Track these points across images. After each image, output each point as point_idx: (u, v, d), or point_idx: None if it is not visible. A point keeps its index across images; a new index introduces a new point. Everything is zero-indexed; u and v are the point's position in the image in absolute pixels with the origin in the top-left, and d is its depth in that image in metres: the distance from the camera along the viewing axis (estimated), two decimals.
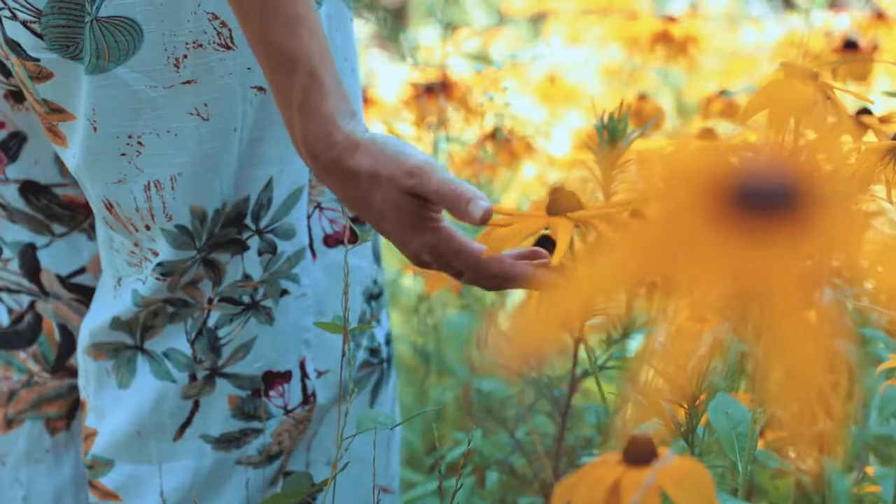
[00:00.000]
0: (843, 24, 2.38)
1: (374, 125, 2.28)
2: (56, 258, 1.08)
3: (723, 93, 2.04)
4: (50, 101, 0.94)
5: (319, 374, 1.08)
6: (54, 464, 1.11)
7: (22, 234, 1.07)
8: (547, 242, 1.02)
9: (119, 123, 0.92)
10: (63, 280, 1.08)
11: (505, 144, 1.86)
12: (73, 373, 1.11)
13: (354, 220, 1.08)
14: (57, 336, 1.10)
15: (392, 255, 2.10)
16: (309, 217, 1.07)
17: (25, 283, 1.08)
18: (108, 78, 0.91)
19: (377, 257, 1.16)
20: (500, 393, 1.34)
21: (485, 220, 0.80)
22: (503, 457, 1.17)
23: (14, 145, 1.04)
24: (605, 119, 1.09)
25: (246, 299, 1.01)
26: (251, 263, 1.00)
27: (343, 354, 0.91)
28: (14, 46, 0.92)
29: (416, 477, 1.42)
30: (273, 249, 1.01)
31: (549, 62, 2.76)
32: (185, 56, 0.91)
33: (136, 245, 0.99)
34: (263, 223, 1.00)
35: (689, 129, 2.22)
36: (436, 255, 0.84)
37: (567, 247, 0.77)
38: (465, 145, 1.85)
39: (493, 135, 1.76)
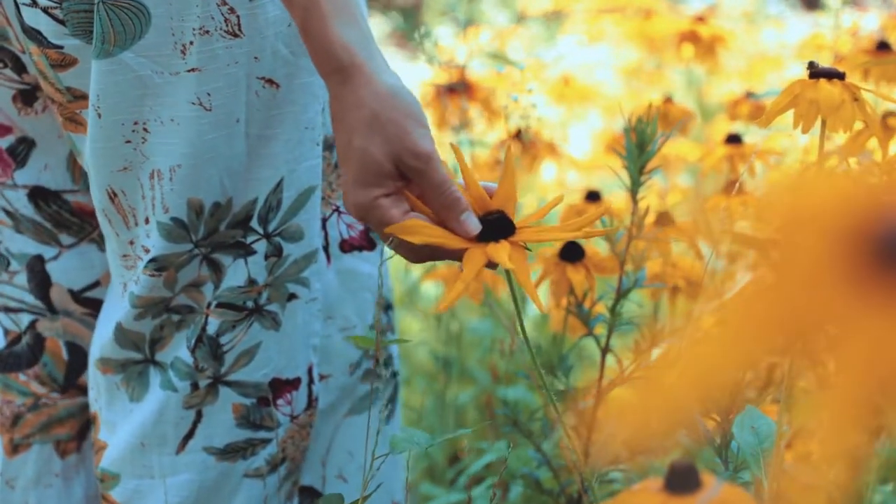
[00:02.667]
0: (870, 24, 2.34)
1: None
2: (68, 272, 1.04)
3: (749, 94, 2.00)
4: (74, 89, 0.92)
5: (322, 377, 1.05)
6: (64, 487, 1.08)
7: (28, 246, 1.03)
8: (574, 248, 0.99)
9: (124, 110, 0.90)
10: (76, 295, 1.05)
11: (528, 147, 1.83)
12: (85, 391, 1.08)
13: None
14: (65, 355, 1.06)
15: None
16: (326, 220, 1.04)
17: (30, 299, 1.05)
18: (113, 63, 0.88)
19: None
20: (525, 403, 1.31)
21: (472, 235, 0.80)
22: (529, 470, 1.14)
23: (22, 150, 1.01)
24: (633, 122, 1.05)
25: (249, 304, 0.98)
26: (256, 268, 0.97)
27: (376, 365, 0.88)
28: (34, 35, 0.89)
29: (435, 490, 1.38)
30: (279, 252, 0.98)
31: (568, 62, 2.73)
32: (192, 42, 0.88)
33: (130, 244, 0.96)
34: (272, 226, 0.97)
35: (714, 131, 2.18)
36: (365, 220, 0.82)
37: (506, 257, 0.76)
38: (487, 147, 1.82)
39: (518, 136, 1.72)
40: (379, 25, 3.73)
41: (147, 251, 0.95)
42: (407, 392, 1.85)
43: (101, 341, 1.01)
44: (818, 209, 0.35)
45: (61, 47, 0.89)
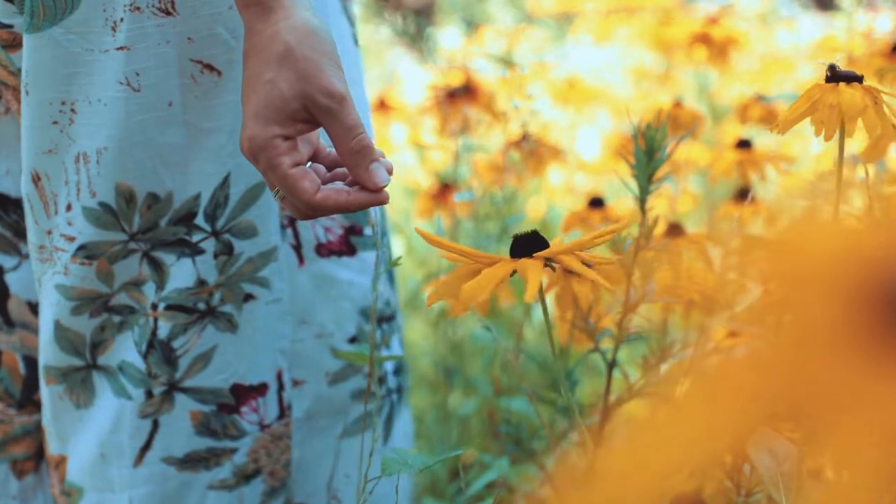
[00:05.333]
0: (883, 25, 2.29)
1: (396, 130, 2.21)
2: (27, 283, 1.00)
3: (760, 97, 1.96)
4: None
5: (296, 383, 1.01)
6: None
7: None
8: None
9: (52, 88, 0.87)
10: (34, 307, 1.01)
11: (532, 151, 1.79)
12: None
13: (351, 230, 1.01)
14: (21, 369, 1.02)
15: (414, 266, 2.03)
16: (296, 219, 0.99)
17: None
18: (42, 38, 0.85)
19: (390, 277, 1.09)
20: (528, 418, 1.26)
21: (380, 187, 0.79)
22: (532, 489, 1.10)
23: None
24: (643, 128, 1.01)
25: (201, 306, 0.94)
26: (206, 268, 0.93)
27: (368, 389, 0.84)
28: None
29: None
30: (229, 250, 0.93)
31: (576, 63, 2.69)
32: (122, 19, 0.85)
33: (48, 234, 0.92)
34: (220, 223, 0.92)
35: (724, 135, 2.14)
36: (256, 158, 0.79)
37: (537, 286, 0.71)
38: (489, 152, 1.78)
39: (521, 141, 1.68)
40: (388, 27, 3.70)
41: (70, 240, 0.91)
42: (410, 400, 1.81)
43: (43, 345, 0.96)
44: (825, 261, 0.30)
45: (11, 26, 0.87)
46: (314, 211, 0.80)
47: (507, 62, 1.77)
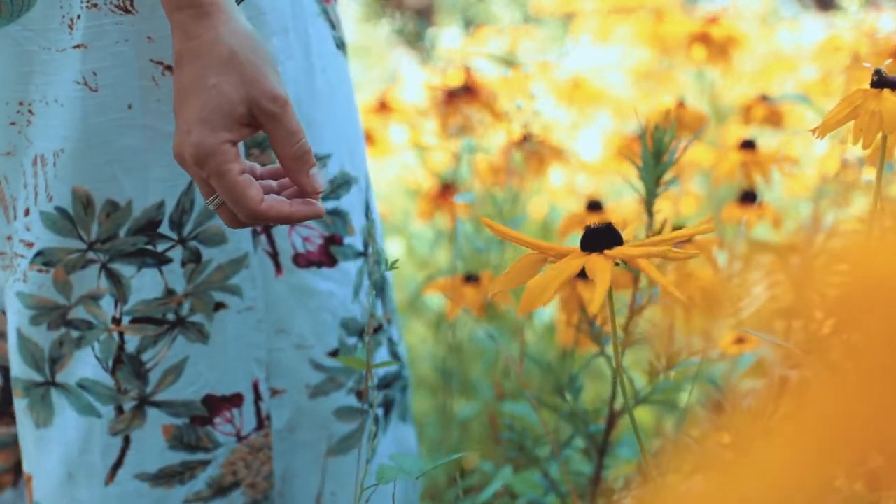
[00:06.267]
0: (887, 25, 2.27)
1: (397, 131, 2.19)
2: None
3: (764, 98, 1.94)
4: None
5: (275, 392, 0.98)
6: None
7: None
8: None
9: (9, 88, 0.85)
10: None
11: (534, 151, 1.77)
12: None
13: (331, 239, 0.98)
14: None
15: (415, 267, 2.01)
16: (270, 227, 0.96)
17: None
18: None
19: (377, 287, 1.05)
20: (531, 423, 1.24)
21: (316, 192, 0.80)
22: (535, 497, 1.08)
23: None
24: (651, 129, 0.99)
25: (171, 317, 0.91)
26: (173, 277, 0.91)
27: (367, 407, 0.82)
28: None
29: None
30: (197, 258, 0.91)
31: (577, 63, 2.67)
32: (80, 16, 0.83)
33: (8, 239, 0.90)
34: (187, 230, 0.90)
35: (727, 135, 2.12)
36: (203, 164, 0.77)
37: (605, 292, 0.66)
38: (490, 153, 1.76)
39: (523, 142, 1.66)
40: (388, 26, 3.68)
41: (29, 246, 0.89)
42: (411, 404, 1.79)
43: (11, 355, 0.94)
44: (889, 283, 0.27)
45: None
46: (254, 220, 0.79)
47: (508, 62, 1.75)
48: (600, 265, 0.68)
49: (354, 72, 3.63)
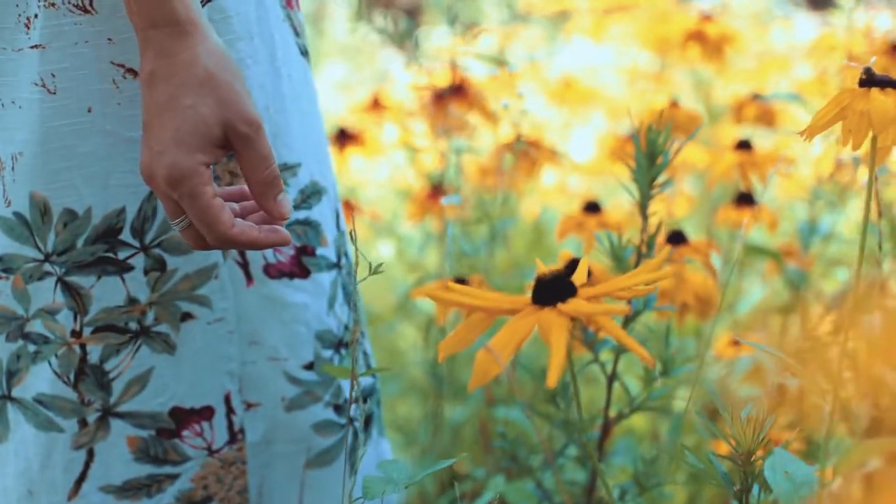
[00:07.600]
0: (882, 23, 2.25)
1: (387, 130, 2.17)
2: None
3: (756, 96, 1.92)
4: None
5: (249, 405, 0.95)
6: None
7: None
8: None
9: None
10: None
11: (525, 152, 1.74)
12: None
13: (303, 250, 0.95)
14: None
15: (405, 270, 1.99)
16: None
17: None
18: None
19: (348, 298, 1.02)
20: (523, 430, 1.22)
21: (283, 218, 0.80)
22: None
23: None
24: (644, 130, 0.97)
25: (133, 326, 0.89)
26: (136, 285, 0.88)
27: (351, 401, 0.79)
28: None
29: None
30: (161, 266, 0.89)
31: (569, 62, 2.65)
32: (37, 16, 0.81)
33: None
34: (149, 238, 0.88)
35: (721, 134, 2.10)
36: (176, 186, 0.75)
37: (562, 361, 0.60)
38: (479, 154, 1.73)
39: (514, 142, 1.63)
40: (378, 26, 3.64)
41: None
42: (401, 408, 1.77)
43: None
44: None
45: None
46: (223, 245, 0.78)
47: (497, 61, 1.72)
48: (555, 324, 0.61)
49: (345, 72, 3.60)
